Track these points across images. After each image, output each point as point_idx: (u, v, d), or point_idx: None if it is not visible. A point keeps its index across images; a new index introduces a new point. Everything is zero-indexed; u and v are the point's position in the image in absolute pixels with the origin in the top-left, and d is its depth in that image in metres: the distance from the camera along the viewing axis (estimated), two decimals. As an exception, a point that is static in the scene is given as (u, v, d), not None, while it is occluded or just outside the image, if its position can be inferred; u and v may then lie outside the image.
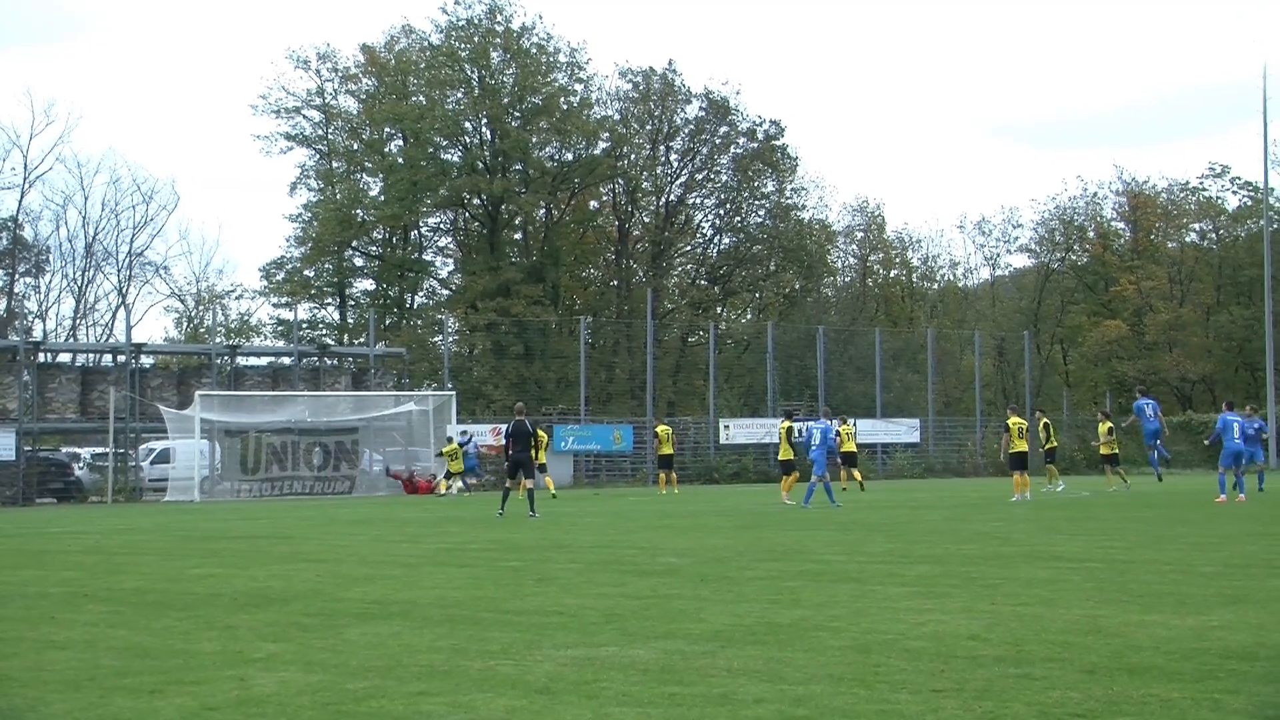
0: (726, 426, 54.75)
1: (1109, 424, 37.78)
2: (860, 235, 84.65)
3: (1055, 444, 37.61)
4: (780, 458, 32.03)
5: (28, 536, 24.00)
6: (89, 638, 10.55)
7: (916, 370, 68.56)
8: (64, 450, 51.40)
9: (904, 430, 59.66)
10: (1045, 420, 37.06)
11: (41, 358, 48.88)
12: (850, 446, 40.56)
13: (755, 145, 74.30)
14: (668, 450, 41.77)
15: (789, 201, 77.57)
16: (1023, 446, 32.70)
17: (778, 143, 75.02)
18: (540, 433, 39.38)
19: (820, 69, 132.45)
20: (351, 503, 39.39)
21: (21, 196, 69.57)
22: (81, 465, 49.28)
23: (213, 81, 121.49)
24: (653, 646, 9.30)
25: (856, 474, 40.28)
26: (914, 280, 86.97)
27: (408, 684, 8.25)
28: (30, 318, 68.20)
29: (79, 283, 72.88)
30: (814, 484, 29.54)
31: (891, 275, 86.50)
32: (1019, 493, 31.65)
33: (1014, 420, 33.28)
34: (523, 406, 30.50)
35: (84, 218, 72.75)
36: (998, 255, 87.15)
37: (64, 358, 54.41)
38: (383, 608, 11.99)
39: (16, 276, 71.05)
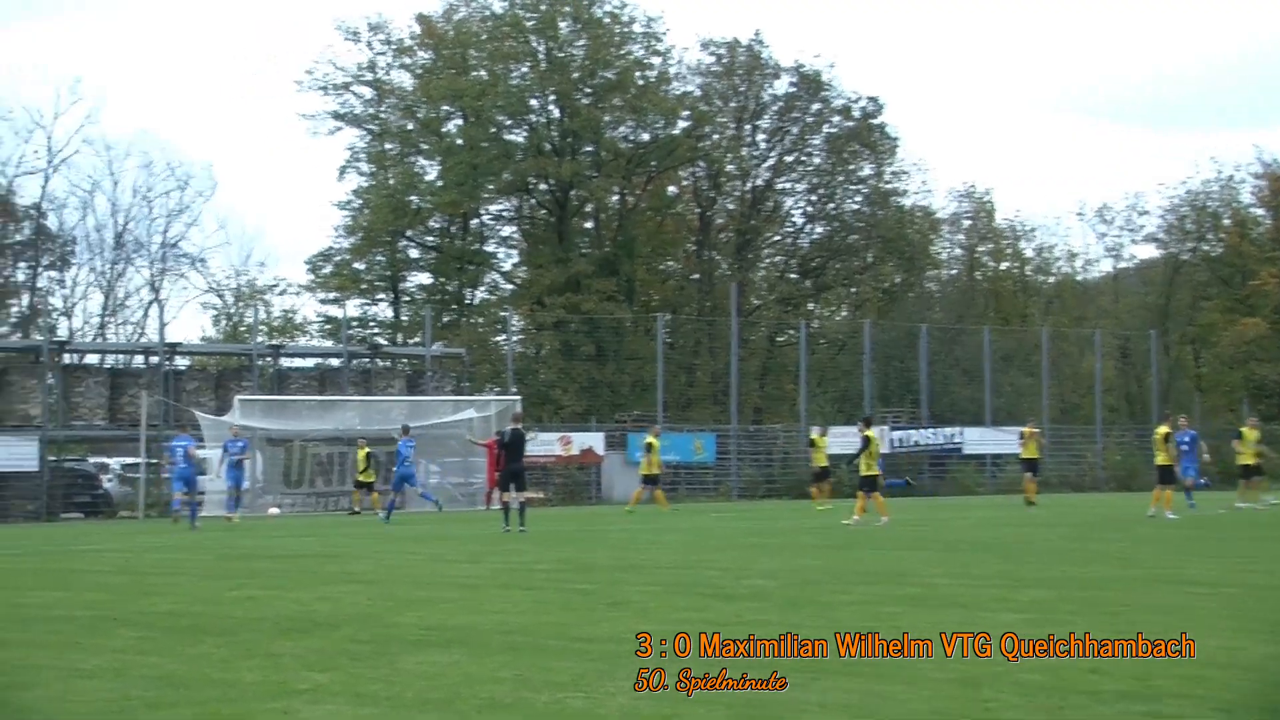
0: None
1: (1257, 431, 37.09)
2: (967, 224, 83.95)
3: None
4: (863, 473, 31.12)
5: (52, 555, 24.28)
6: (118, 665, 10.65)
7: (1030, 373, 68.05)
8: (91, 460, 51.83)
9: (1016, 439, 59.11)
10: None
11: (67, 359, 49.38)
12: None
13: (851, 124, 73.87)
14: (823, 461, 41.73)
15: (888, 186, 77.05)
16: (1167, 459, 32.63)
17: (875, 122, 74.54)
18: (652, 439, 39.45)
19: (922, 42, 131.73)
20: (404, 518, 39.54)
21: (45, 182, 70.08)
22: (110, 476, 49.66)
23: (254, 56, 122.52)
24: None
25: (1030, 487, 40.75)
26: (1027, 273, 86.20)
27: (468, 718, 8.27)
28: (55, 315, 68.89)
29: (108, 277, 73.44)
30: None
31: (1002, 268, 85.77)
32: (1155, 507, 31.41)
33: (1161, 429, 33.23)
34: (519, 414, 30.53)
35: (113, 206, 73.04)
36: (1121, 246, 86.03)
37: (91, 359, 54.85)
38: (440, 634, 12.05)
39: (40, 270, 71.63)
